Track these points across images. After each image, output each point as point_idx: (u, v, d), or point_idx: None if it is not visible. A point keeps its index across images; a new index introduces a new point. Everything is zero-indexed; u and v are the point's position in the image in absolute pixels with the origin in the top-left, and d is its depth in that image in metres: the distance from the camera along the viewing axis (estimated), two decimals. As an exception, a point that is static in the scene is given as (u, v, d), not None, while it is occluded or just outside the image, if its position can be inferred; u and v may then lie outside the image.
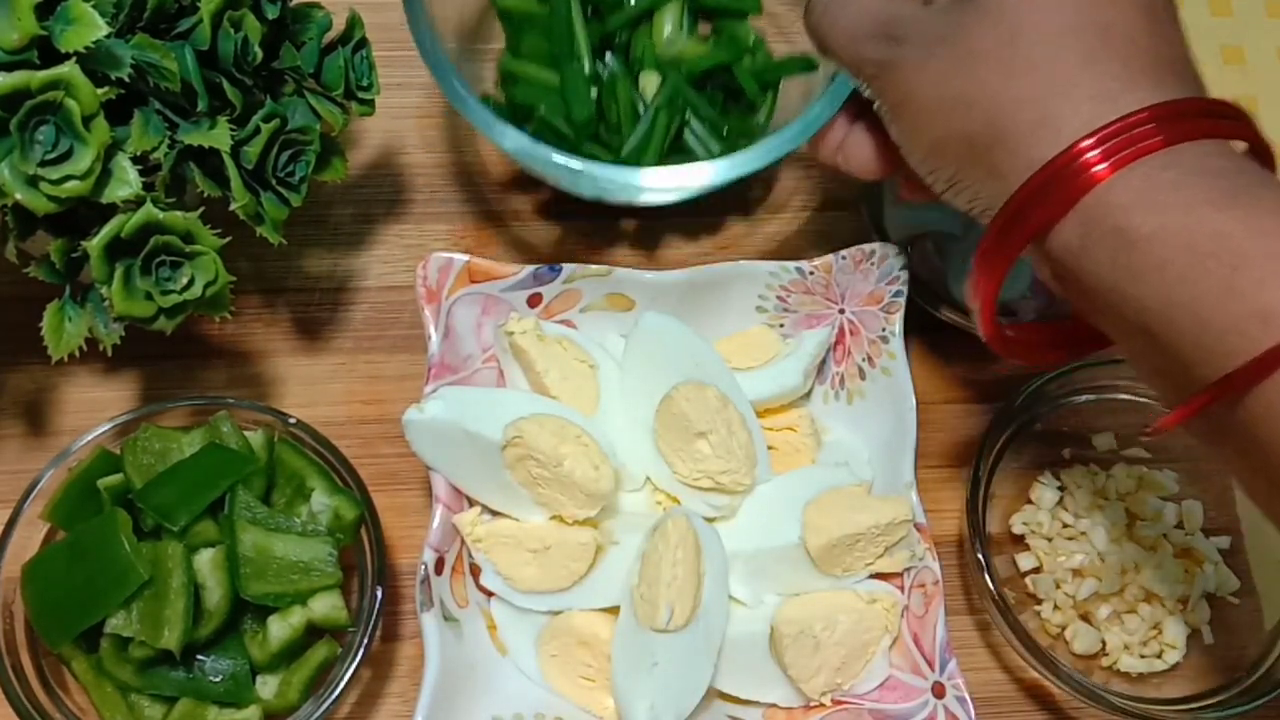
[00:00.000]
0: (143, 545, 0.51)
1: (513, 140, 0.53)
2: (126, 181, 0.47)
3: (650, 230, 0.67)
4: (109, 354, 0.51)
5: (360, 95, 0.57)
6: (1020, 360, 0.51)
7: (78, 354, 0.51)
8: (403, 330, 0.64)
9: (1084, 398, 0.62)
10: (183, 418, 0.56)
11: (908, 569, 0.56)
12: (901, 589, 0.56)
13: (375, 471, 0.59)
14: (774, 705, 0.55)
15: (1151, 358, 0.42)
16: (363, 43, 0.57)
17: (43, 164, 0.45)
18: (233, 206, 0.51)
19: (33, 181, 0.45)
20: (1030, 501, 0.62)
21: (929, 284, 0.62)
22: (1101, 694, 0.54)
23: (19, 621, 0.52)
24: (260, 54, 0.51)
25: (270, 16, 0.52)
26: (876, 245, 0.59)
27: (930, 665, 0.53)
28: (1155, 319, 0.40)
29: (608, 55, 0.63)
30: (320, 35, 0.56)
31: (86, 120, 0.46)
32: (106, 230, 0.47)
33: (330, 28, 0.56)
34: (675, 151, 0.62)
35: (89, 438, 0.54)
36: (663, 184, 0.55)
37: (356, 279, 0.65)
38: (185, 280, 0.49)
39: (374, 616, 0.52)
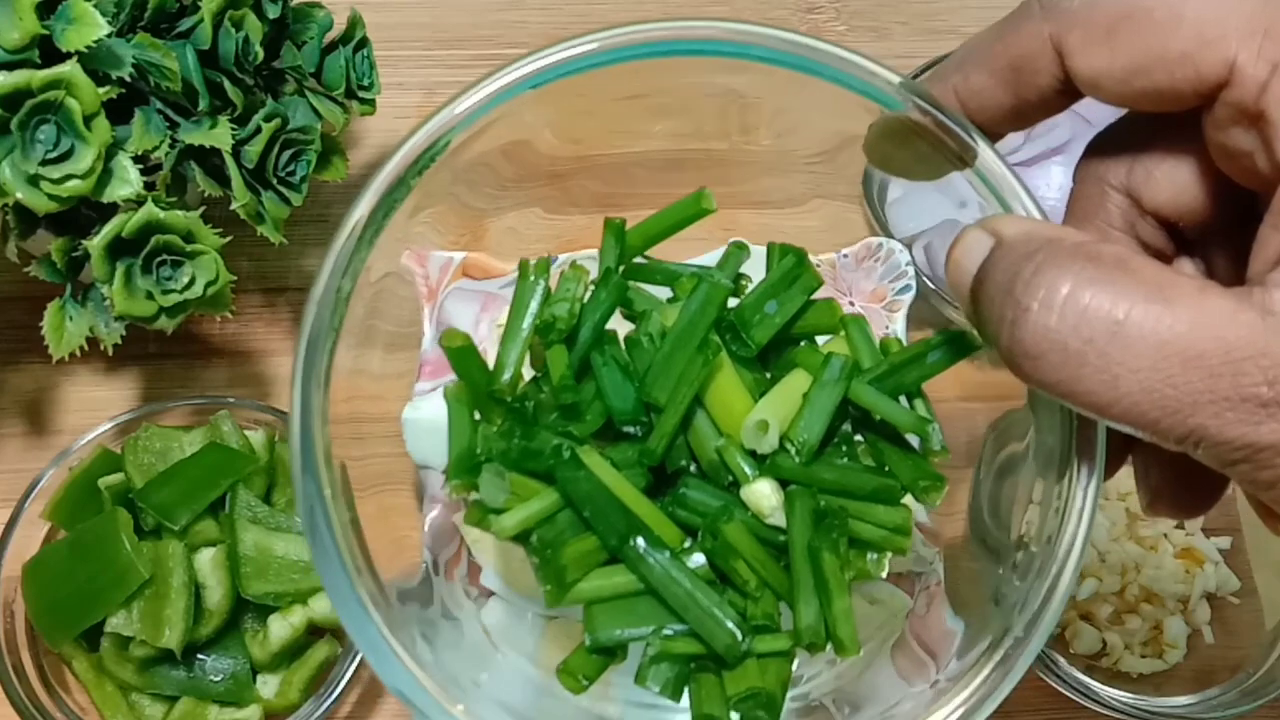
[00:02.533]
0: (143, 544, 0.51)
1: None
2: (127, 181, 0.47)
3: (651, 229, 0.67)
4: (110, 353, 0.51)
5: (361, 95, 0.57)
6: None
7: (79, 353, 0.51)
8: (403, 329, 0.64)
9: (1085, 397, 0.62)
10: (183, 417, 0.56)
11: (911, 569, 0.56)
12: (904, 589, 0.56)
13: (375, 470, 0.59)
14: (774, 705, 0.54)
15: None
16: (364, 42, 0.57)
17: (44, 163, 0.45)
18: (234, 206, 0.51)
19: (34, 181, 0.45)
20: (1032, 501, 0.62)
21: (933, 281, 0.62)
22: (1101, 694, 0.54)
23: (20, 620, 0.52)
24: (261, 53, 0.51)
25: (271, 16, 0.52)
26: (880, 241, 0.59)
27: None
28: None
29: (684, 490, 0.36)
30: (321, 35, 0.56)
31: (87, 119, 0.46)
32: (107, 229, 0.47)
33: (331, 27, 0.56)
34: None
35: (90, 437, 0.54)
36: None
37: (357, 278, 0.65)
38: (186, 279, 0.49)
39: None
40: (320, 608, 0.52)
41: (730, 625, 0.34)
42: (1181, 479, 0.34)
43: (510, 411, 0.37)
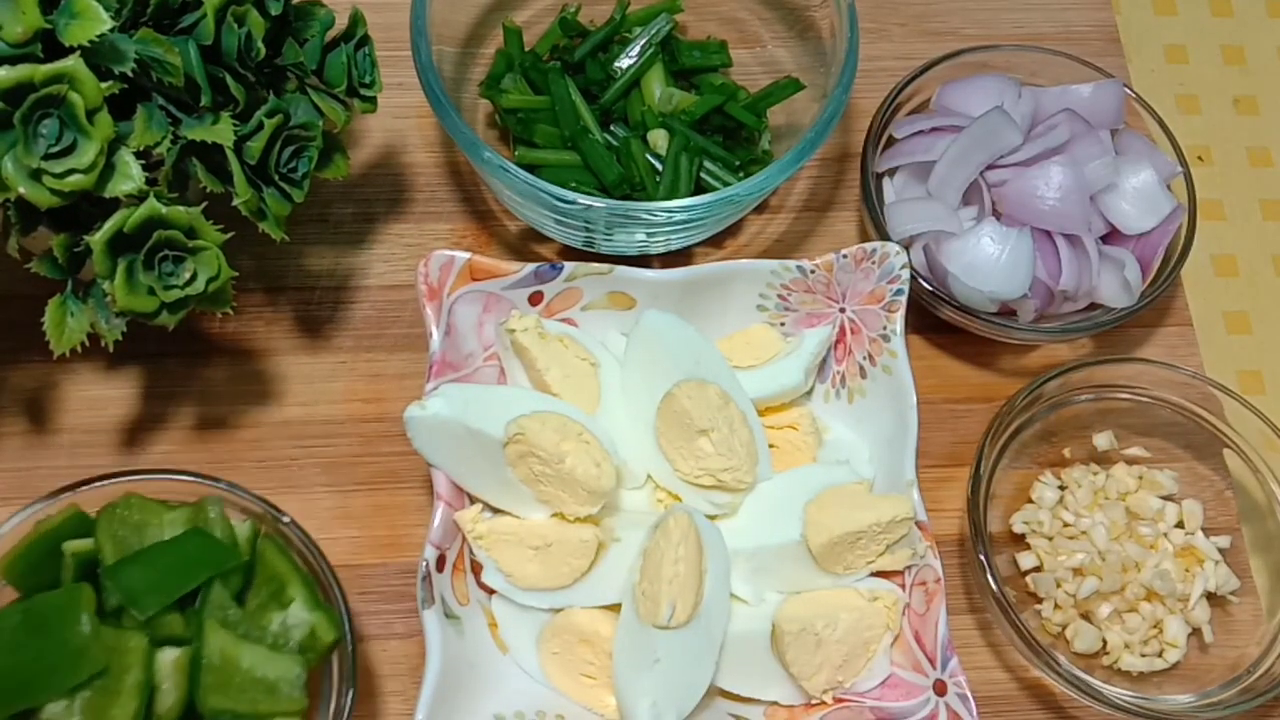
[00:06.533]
0: (103, 628, 0.46)
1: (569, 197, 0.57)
2: (129, 176, 0.47)
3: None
4: (111, 350, 0.51)
5: (363, 92, 0.57)
6: None
7: (79, 350, 0.51)
8: (403, 329, 0.64)
9: (1084, 398, 0.62)
10: (173, 491, 0.52)
11: (909, 567, 0.56)
12: (903, 587, 0.56)
13: (376, 470, 0.59)
14: (775, 703, 0.55)
15: None
16: (365, 40, 0.57)
17: (46, 158, 0.45)
18: (235, 202, 0.51)
19: (36, 175, 0.45)
20: (1031, 500, 0.62)
21: (930, 283, 0.62)
22: (1102, 693, 0.54)
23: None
24: (263, 50, 0.52)
25: (273, 12, 0.53)
26: (877, 244, 0.59)
27: (932, 663, 0.53)
28: None
29: (611, 127, 0.67)
30: (323, 32, 0.56)
31: (90, 114, 0.46)
32: (109, 225, 0.47)
33: (333, 25, 0.56)
34: (699, 193, 0.64)
35: (65, 497, 0.50)
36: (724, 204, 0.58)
37: (357, 277, 0.65)
38: (188, 275, 0.49)
39: None
40: None
41: (618, 168, 0.64)
42: None
43: (534, 54, 0.68)
